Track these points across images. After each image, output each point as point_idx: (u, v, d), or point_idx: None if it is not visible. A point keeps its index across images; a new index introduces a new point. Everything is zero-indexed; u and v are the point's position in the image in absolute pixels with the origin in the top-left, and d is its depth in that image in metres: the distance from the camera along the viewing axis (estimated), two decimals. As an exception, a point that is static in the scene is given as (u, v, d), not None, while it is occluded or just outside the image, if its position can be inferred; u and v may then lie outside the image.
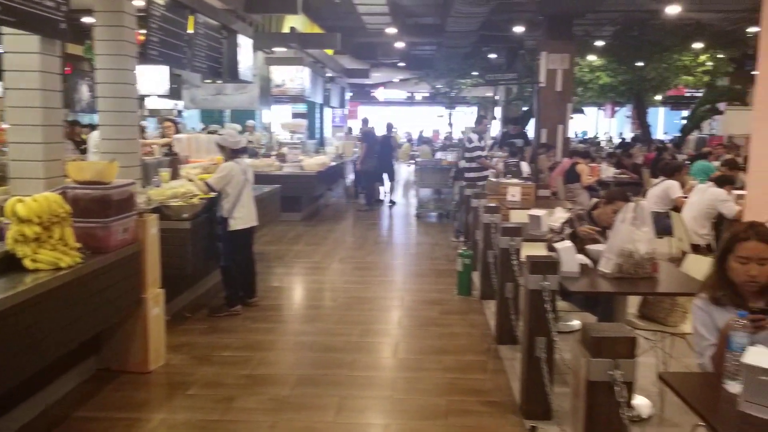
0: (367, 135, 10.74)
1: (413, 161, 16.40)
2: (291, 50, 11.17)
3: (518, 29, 13.39)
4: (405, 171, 18.36)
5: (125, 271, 3.54)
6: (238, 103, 10.58)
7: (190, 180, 4.91)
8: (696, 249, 5.37)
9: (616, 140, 20.74)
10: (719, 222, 5.64)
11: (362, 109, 24.12)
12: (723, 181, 5.58)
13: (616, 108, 23.48)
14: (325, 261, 6.87)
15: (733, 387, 1.91)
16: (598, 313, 3.62)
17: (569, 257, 3.39)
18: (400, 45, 15.00)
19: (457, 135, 19.71)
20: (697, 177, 7.75)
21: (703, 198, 5.47)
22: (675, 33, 14.72)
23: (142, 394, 3.55)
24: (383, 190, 12.08)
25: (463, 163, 9.53)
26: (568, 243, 3.45)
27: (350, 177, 13.10)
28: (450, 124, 20.19)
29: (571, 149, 11.13)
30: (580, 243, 3.64)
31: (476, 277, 5.56)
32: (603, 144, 19.75)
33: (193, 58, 5.92)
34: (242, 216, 4.81)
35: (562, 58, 13.38)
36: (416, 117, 27.88)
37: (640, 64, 15.81)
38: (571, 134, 25.44)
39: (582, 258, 3.46)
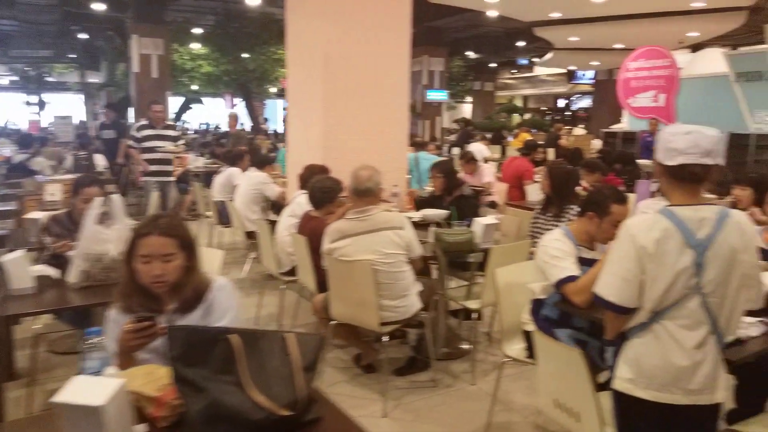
0: None
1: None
2: None
3: (99, 7, 12.01)
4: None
5: None
6: None
7: None
8: (250, 236, 5.32)
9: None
10: (272, 205, 5.73)
11: None
12: (261, 164, 5.69)
13: (236, 100, 23.91)
14: None
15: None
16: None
17: (20, 271, 2.71)
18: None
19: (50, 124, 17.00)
20: (281, 164, 7.98)
21: (249, 183, 5.47)
22: (270, 27, 15.47)
23: None
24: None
25: (19, 157, 7.93)
26: (18, 253, 2.75)
27: None
28: (38, 113, 17.32)
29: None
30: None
31: None
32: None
33: None
34: None
35: (155, 43, 12.61)
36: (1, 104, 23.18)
37: (246, 55, 16.18)
38: (195, 125, 25.02)
39: (42, 269, 2.82)
